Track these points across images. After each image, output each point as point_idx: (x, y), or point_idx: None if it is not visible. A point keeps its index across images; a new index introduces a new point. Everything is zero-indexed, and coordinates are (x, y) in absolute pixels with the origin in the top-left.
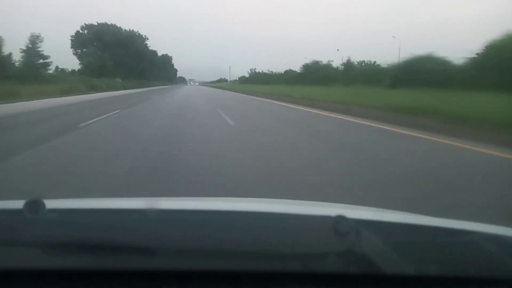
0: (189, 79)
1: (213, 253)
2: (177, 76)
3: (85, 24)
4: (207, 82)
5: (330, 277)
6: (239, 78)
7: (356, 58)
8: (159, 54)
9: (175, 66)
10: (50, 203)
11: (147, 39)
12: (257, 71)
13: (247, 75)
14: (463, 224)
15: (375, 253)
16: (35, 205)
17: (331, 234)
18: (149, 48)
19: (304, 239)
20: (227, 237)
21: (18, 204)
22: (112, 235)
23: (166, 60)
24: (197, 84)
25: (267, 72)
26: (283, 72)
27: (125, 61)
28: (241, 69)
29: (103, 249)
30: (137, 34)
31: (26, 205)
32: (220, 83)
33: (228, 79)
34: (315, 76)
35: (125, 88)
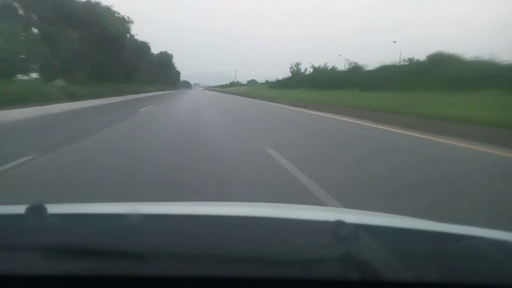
0: (194, 84)
1: (209, 259)
2: (181, 80)
3: None
4: (214, 87)
5: (330, 283)
6: (247, 81)
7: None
8: (156, 51)
9: (179, 71)
10: (52, 208)
11: (131, 22)
12: (307, 67)
13: (258, 79)
14: (464, 229)
15: (375, 259)
16: (37, 210)
17: (330, 239)
18: (135, 38)
19: (303, 244)
20: (224, 243)
21: (20, 209)
22: (109, 241)
23: (164, 59)
24: (202, 88)
25: (343, 67)
26: (406, 60)
27: (82, 50)
28: (246, 75)
29: (102, 255)
30: (109, 9)
31: (28, 210)
32: (233, 88)
33: (241, 83)
34: None
35: (71, 99)
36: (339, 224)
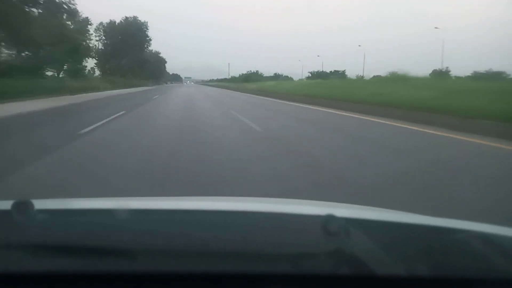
0: (185, 77)
1: (198, 255)
2: (170, 73)
3: None
4: (208, 81)
5: (320, 278)
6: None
7: None
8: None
9: (169, 62)
10: (39, 204)
11: None
12: None
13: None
14: (455, 223)
15: (366, 253)
16: (23, 206)
17: (320, 234)
18: None
19: (293, 239)
20: (213, 238)
21: (6, 204)
22: (97, 237)
23: (131, 31)
24: (193, 83)
25: None
26: None
27: None
28: (239, 69)
29: (89, 251)
30: None
31: (14, 206)
32: (254, 85)
33: (263, 75)
34: None
35: None
36: (330, 218)
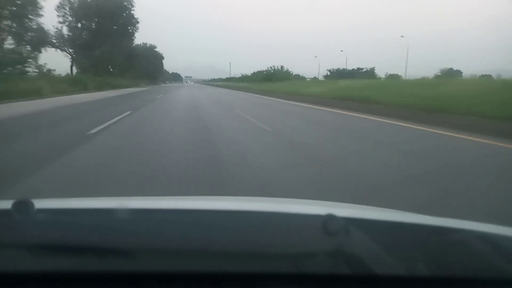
0: (185, 77)
1: (198, 254)
2: (170, 72)
3: None
4: (210, 80)
5: (320, 277)
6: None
7: None
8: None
9: (169, 62)
10: (39, 203)
11: None
12: None
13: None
14: (456, 223)
15: (366, 253)
16: (23, 206)
17: (320, 234)
18: None
19: (293, 238)
20: (213, 238)
21: (6, 204)
22: (97, 237)
23: (118, 17)
24: (192, 82)
25: None
26: None
27: None
28: (240, 68)
29: (89, 251)
30: None
31: (14, 205)
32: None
33: (289, 72)
34: None
35: None
36: (330, 218)
